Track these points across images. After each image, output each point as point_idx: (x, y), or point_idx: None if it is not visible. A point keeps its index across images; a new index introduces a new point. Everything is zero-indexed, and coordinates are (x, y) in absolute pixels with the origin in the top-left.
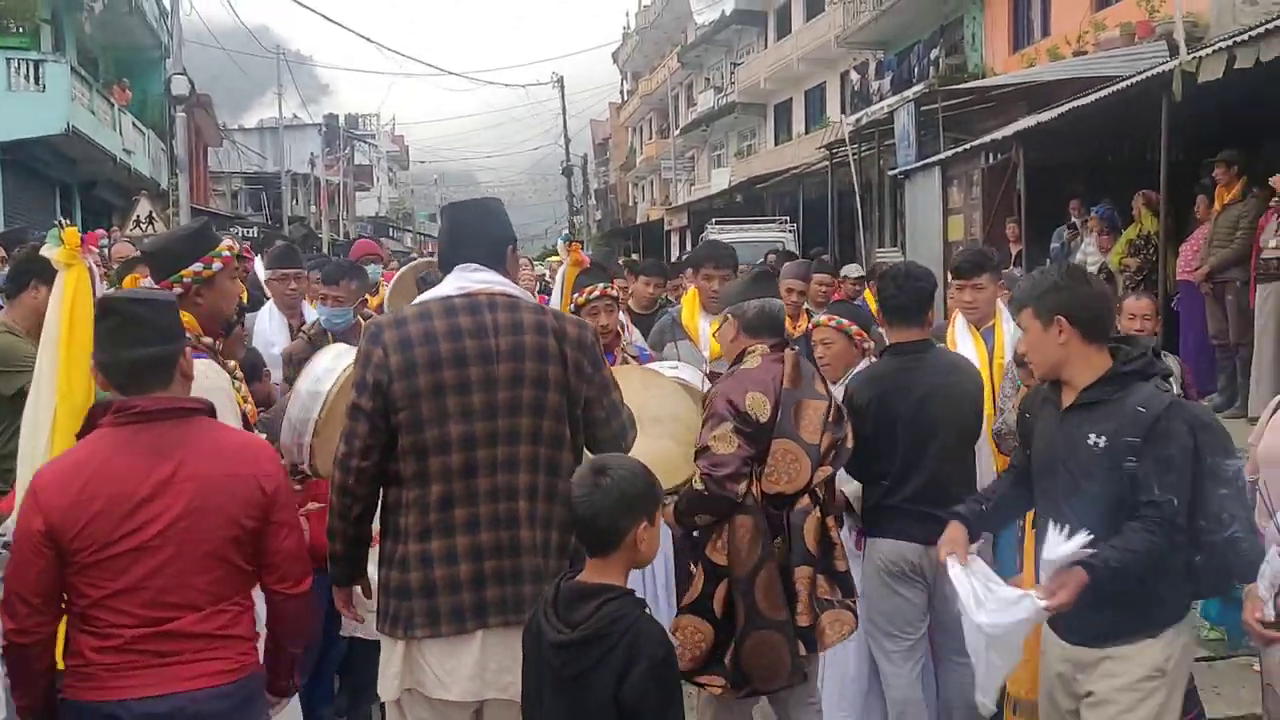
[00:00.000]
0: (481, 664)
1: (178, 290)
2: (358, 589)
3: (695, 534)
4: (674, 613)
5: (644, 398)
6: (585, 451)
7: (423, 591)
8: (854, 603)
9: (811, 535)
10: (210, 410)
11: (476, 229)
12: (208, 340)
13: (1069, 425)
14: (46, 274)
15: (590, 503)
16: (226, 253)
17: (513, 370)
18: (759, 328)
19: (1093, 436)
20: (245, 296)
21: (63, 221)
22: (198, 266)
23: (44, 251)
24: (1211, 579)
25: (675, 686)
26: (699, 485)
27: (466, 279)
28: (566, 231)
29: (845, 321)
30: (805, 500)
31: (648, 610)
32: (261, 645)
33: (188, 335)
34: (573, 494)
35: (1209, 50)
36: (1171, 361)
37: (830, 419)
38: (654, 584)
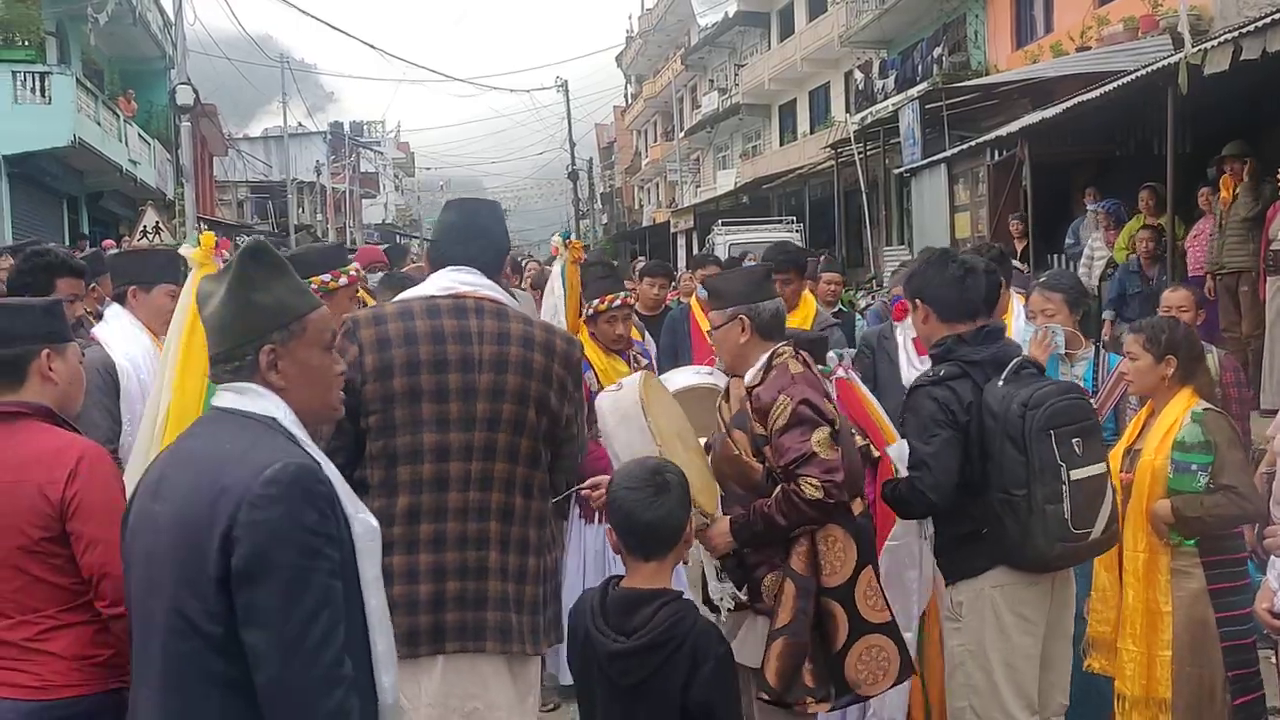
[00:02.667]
0: (444, 692)
1: None
2: None
3: (740, 554)
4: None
5: (667, 409)
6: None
7: None
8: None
9: (870, 537)
10: (46, 414)
11: (476, 230)
12: None
13: None
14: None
15: (657, 505)
16: (354, 273)
17: (494, 382)
18: (772, 329)
19: None
20: None
21: (201, 226)
22: (325, 277)
23: (181, 251)
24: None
25: (736, 685)
26: (816, 494)
27: (455, 280)
28: (566, 229)
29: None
30: (859, 504)
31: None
32: None
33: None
34: (624, 499)
35: (1215, 42)
36: (1212, 359)
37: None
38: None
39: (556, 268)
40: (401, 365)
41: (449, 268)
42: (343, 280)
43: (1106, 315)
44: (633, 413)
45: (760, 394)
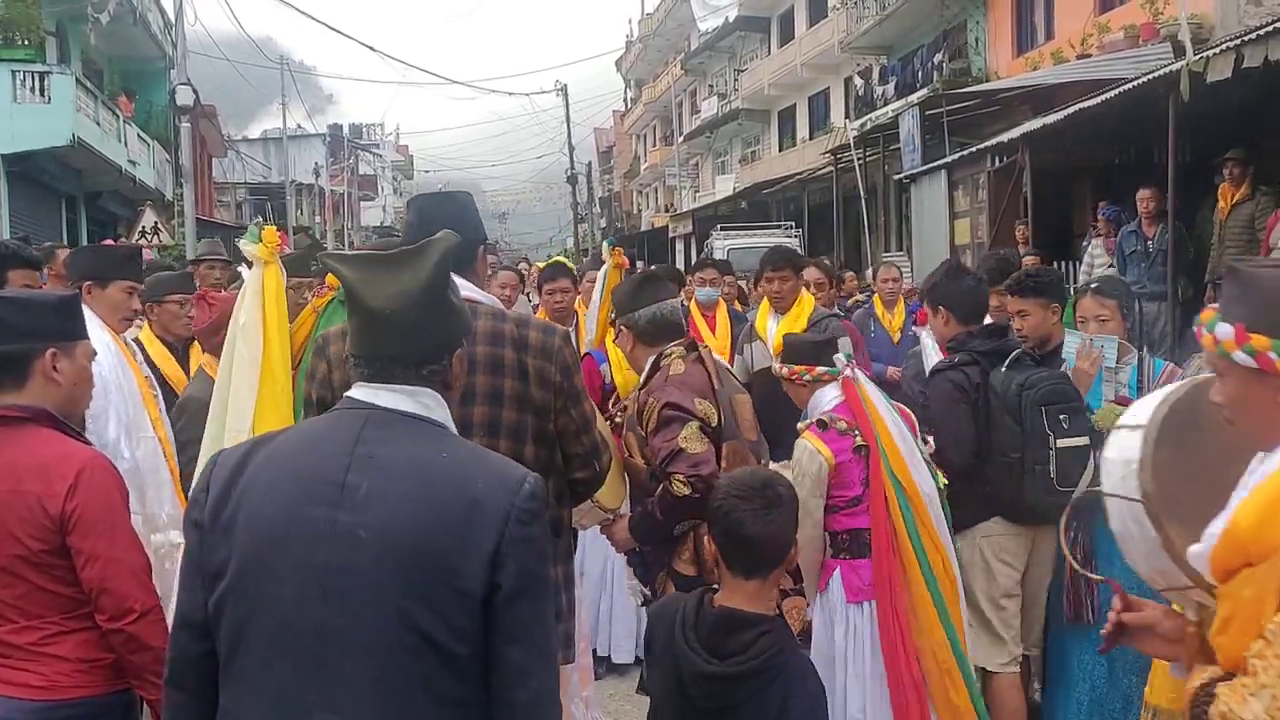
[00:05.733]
0: None
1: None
2: None
3: (642, 551)
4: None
5: None
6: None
7: None
8: (802, 588)
9: None
10: (48, 418)
11: (444, 225)
12: None
13: None
14: None
15: (767, 520)
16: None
17: (464, 385)
18: (655, 335)
19: None
20: None
21: (260, 221)
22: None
23: (242, 248)
24: None
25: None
26: (683, 490)
27: None
28: (612, 237)
29: (776, 366)
30: None
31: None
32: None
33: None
34: (732, 509)
35: (1217, 49)
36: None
37: (754, 411)
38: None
39: (600, 272)
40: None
41: None
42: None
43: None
44: None
45: (642, 396)
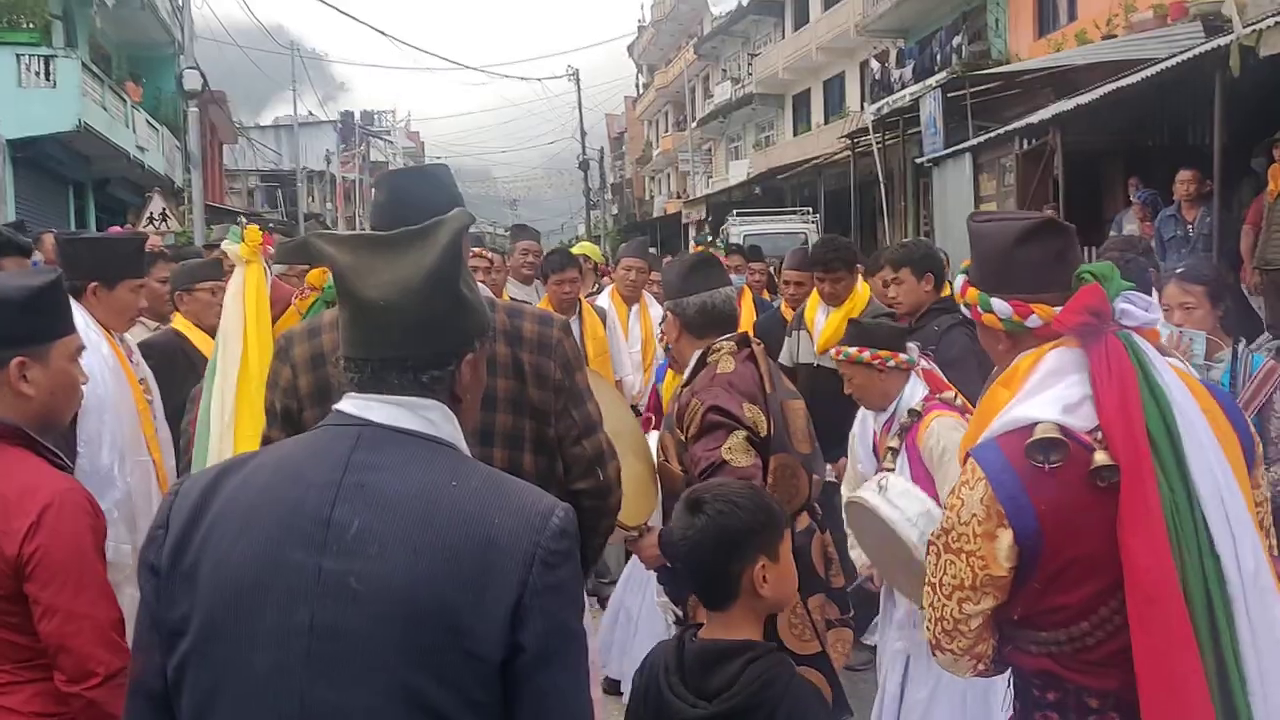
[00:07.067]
0: None
1: None
2: None
3: (673, 567)
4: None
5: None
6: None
7: None
8: (852, 619)
9: (819, 558)
10: (17, 434)
11: (418, 206)
12: None
13: None
14: None
15: (690, 547)
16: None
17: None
18: (703, 326)
19: None
20: None
21: (243, 220)
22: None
23: (224, 247)
24: None
25: None
26: None
27: None
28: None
29: (854, 351)
30: (804, 519)
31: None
32: None
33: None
34: (671, 537)
35: (1271, 21)
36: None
37: (809, 420)
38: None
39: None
40: (341, 384)
41: None
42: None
43: None
44: None
45: (684, 396)
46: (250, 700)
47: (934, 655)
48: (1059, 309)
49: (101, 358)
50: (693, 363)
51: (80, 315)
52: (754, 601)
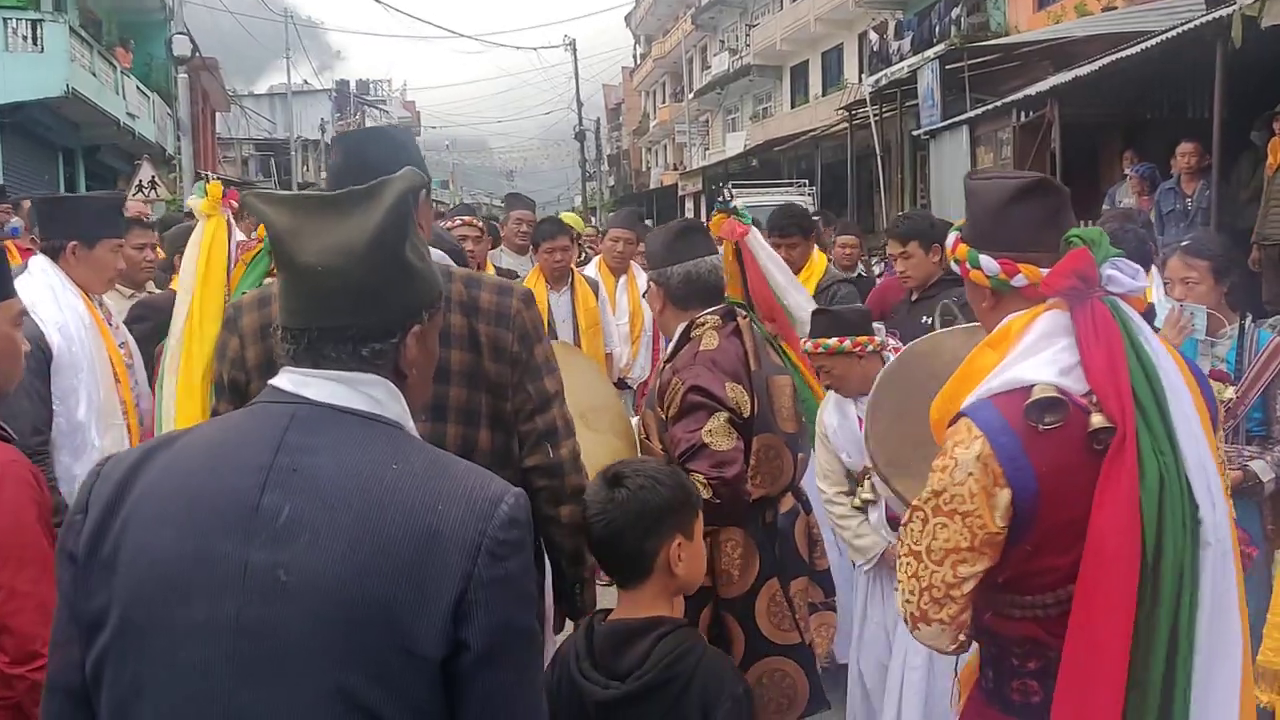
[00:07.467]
0: None
1: None
2: None
3: None
4: None
5: (573, 381)
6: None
7: None
8: (834, 601)
9: (803, 541)
10: None
11: (375, 168)
12: None
13: None
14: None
15: (606, 522)
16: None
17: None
18: (688, 297)
19: None
20: None
21: (208, 176)
22: None
23: (188, 203)
24: None
25: None
26: (704, 493)
27: None
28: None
29: (833, 341)
30: (788, 501)
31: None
32: None
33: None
34: (587, 512)
35: None
36: None
37: (794, 397)
38: None
39: None
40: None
41: None
42: None
43: None
44: None
45: (666, 372)
46: (173, 700)
47: (915, 630)
48: (1046, 270)
49: (78, 316)
50: (676, 336)
51: (56, 276)
52: (667, 579)
